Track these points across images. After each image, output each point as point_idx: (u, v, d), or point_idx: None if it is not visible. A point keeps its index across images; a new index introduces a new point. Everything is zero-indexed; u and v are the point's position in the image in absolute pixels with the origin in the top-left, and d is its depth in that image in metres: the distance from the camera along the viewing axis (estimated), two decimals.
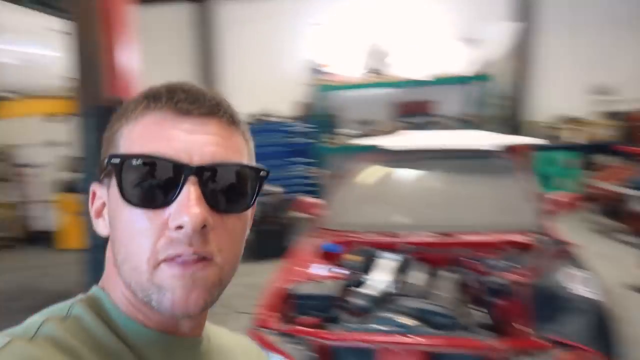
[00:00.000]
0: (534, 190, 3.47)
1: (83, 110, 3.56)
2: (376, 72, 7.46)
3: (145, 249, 0.55)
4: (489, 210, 3.34)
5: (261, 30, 8.16)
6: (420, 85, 7.50)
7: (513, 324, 2.50)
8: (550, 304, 2.41)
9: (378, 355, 2.16)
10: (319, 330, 2.33)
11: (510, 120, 8.55)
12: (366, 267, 3.01)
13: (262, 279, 5.19)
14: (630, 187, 5.81)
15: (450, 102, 8.32)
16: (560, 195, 3.44)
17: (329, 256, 3.17)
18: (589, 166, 7.75)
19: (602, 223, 6.23)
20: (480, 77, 7.72)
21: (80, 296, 0.63)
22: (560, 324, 2.16)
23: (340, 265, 2.99)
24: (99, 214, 0.63)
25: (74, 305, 0.60)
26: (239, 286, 5.47)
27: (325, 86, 7.40)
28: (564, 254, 2.68)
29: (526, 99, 8.56)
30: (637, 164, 6.44)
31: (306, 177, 7.74)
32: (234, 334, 0.80)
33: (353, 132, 7.75)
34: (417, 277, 2.85)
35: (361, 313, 2.57)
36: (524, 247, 2.93)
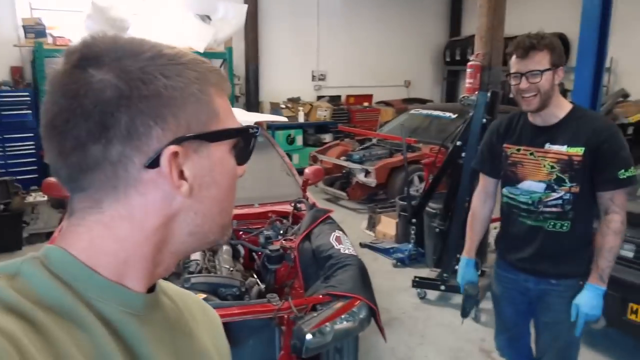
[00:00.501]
0: (289, 164, 3.85)
1: None
2: None
3: (234, 195, 0.68)
4: (256, 184, 3.56)
5: None
6: None
7: (292, 285, 2.79)
8: (317, 263, 2.77)
9: None
10: None
11: (244, 99, 9.09)
12: None
13: None
14: (350, 161, 6.90)
15: None
16: (309, 168, 3.89)
17: None
18: (315, 144, 8.87)
19: (331, 192, 7.25)
20: (217, 55, 7.91)
21: (32, 254, 0.58)
22: (332, 279, 2.51)
23: None
24: (181, 176, 0.60)
25: (25, 263, 0.55)
26: None
27: (49, 50, 6.44)
28: (323, 217, 3.08)
29: (258, 79, 9.21)
30: (355, 142, 7.71)
31: (29, 156, 6.64)
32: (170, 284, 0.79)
33: None
34: (196, 253, 2.88)
35: None
36: (290, 216, 3.26)
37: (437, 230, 4.44)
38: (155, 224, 0.59)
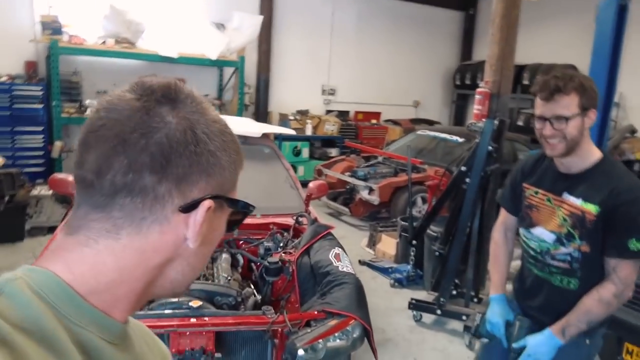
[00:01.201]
0: (293, 177, 3.86)
1: None
2: (125, 40, 6.95)
3: None
4: (259, 195, 3.57)
5: None
6: (168, 62, 7.31)
7: (288, 298, 2.79)
8: (315, 279, 2.77)
9: (171, 339, 2.14)
10: None
11: (254, 109, 9.14)
12: None
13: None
14: (355, 177, 6.92)
15: (198, 84, 8.38)
16: (313, 182, 3.90)
17: None
18: (321, 157, 8.91)
19: (333, 207, 7.25)
20: (228, 63, 7.99)
21: (15, 274, 0.57)
22: (328, 296, 2.51)
23: None
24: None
25: (9, 283, 0.55)
26: None
27: (63, 47, 6.52)
28: (324, 233, 3.08)
29: (268, 90, 9.27)
30: (361, 158, 7.73)
31: (37, 149, 6.68)
32: None
33: (95, 102, 7.04)
34: None
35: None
36: (291, 229, 3.26)
37: (437, 253, 4.43)
38: (157, 263, 0.63)
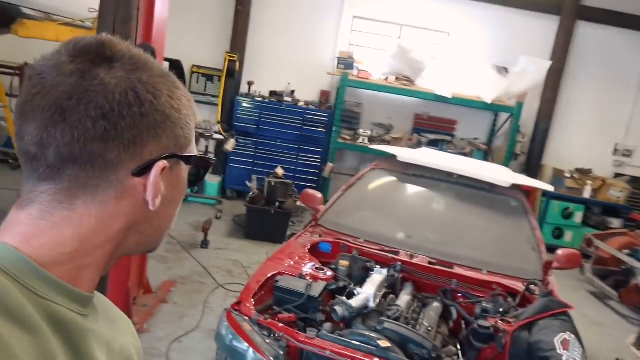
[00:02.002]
0: (539, 238, 3.38)
1: None
2: (406, 78, 7.34)
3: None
4: (491, 249, 3.25)
5: (301, 8, 7.98)
6: (442, 102, 7.38)
7: None
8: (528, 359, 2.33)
9: None
10: (295, 332, 2.26)
11: (525, 159, 8.46)
12: (354, 276, 2.94)
13: (249, 259, 5.21)
14: (635, 258, 5.70)
15: (469, 126, 8.22)
16: (563, 250, 3.33)
17: (320, 254, 3.10)
18: (598, 226, 7.66)
19: (599, 287, 6.13)
20: (504, 108, 7.60)
21: None
22: None
23: (328, 267, 2.92)
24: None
25: None
26: (227, 261, 5.44)
27: (351, 80, 7.27)
28: (556, 311, 2.59)
29: (545, 141, 8.45)
30: None
31: (313, 167, 7.62)
32: None
33: (369, 133, 7.64)
34: (404, 299, 2.78)
35: (340, 322, 2.50)
36: (518, 295, 2.85)
37: None
38: (118, 228, 0.61)
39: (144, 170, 0.60)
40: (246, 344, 2.24)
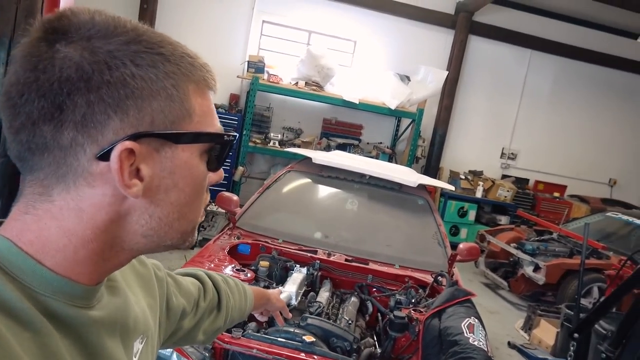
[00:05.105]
0: (443, 234, 3.65)
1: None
2: (315, 84, 7.51)
3: (202, 203, 0.65)
4: (402, 245, 3.46)
5: (210, 9, 7.87)
6: (350, 107, 7.65)
7: (403, 358, 2.59)
8: (441, 345, 2.53)
9: None
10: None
11: (425, 162, 9.03)
12: (275, 276, 2.99)
13: (170, 263, 5.03)
14: (522, 251, 6.30)
15: (375, 131, 8.62)
16: (464, 244, 3.63)
17: (239, 256, 3.11)
18: (489, 223, 8.37)
19: (491, 278, 6.69)
20: (407, 114, 8.05)
21: None
22: None
23: (249, 268, 2.94)
24: (136, 175, 0.56)
25: None
26: None
27: (262, 84, 7.31)
28: (461, 299, 2.82)
29: (443, 145, 9.08)
30: (532, 231, 7.04)
31: (224, 171, 7.50)
32: None
33: (279, 137, 7.72)
34: (324, 295, 2.87)
35: (263, 322, 2.53)
36: (427, 286, 3.06)
37: (604, 356, 3.71)
38: (105, 219, 0.55)
39: (108, 154, 0.52)
40: (169, 349, 2.20)
